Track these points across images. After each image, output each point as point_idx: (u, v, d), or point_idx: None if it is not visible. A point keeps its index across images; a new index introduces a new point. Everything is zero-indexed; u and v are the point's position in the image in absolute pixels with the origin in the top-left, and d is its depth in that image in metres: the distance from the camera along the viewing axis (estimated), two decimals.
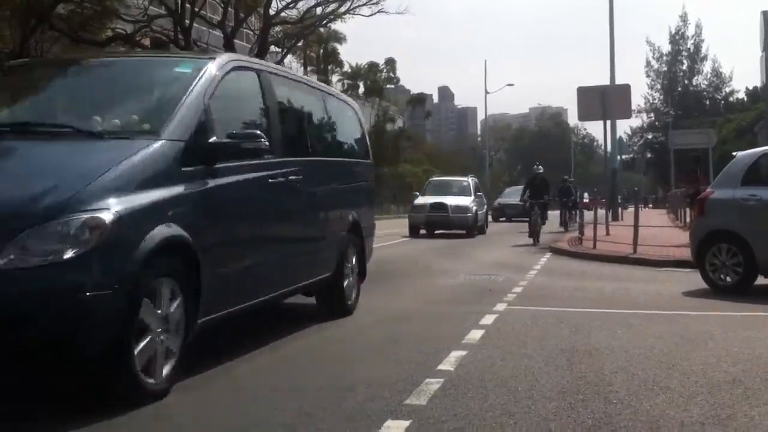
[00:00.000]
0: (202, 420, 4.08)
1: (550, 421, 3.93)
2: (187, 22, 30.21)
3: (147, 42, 32.56)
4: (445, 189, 24.07)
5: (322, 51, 57.99)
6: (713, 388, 4.60)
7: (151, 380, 4.14)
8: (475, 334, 6.34)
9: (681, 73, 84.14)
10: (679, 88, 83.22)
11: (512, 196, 32.90)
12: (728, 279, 9.39)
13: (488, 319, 7.15)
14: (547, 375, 4.94)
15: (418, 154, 72.33)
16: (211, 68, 5.13)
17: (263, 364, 5.39)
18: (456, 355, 5.49)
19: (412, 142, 70.87)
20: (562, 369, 5.13)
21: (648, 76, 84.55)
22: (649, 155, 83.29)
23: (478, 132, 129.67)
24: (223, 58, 5.47)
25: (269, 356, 5.65)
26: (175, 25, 30.06)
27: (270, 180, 5.56)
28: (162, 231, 4.16)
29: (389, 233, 20.54)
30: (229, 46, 31.56)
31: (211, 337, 6.26)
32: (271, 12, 32.30)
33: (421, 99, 71.73)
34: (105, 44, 30.56)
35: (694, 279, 11.11)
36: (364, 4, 32.68)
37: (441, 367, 5.13)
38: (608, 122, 17.95)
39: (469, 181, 25.45)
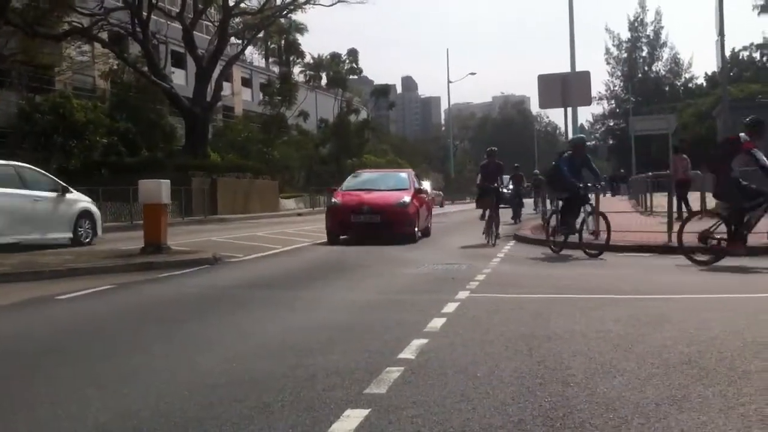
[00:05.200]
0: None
1: (508, 405, 3.97)
2: (145, 14, 29.87)
3: (105, 36, 32.14)
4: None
5: (283, 42, 57.71)
6: (669, 369, 4.67)
7: None
8: (437, 323, 6.37)
9: (641, 60, 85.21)
10: (639, 75, 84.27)
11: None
12: None
13: (450, 307, 7.19)
14: (506, 360, 4.98)
15: (383, 145, 72.35)
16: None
17: (223, 355, 5.37)
18: (417, 343, 5.51)
19: (376, 133, 70.81)
20: (521, 354, 5.17)
21: (608, 63, 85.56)
22: (611, 142, 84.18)
23: (442, 121, 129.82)
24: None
25: (230, 348, 5.63)
26: (132, 17, 29.69)
27: None
28: None
29: None
30: (188, 39, 31.24)
31: (173, 329, 6.22)
32: (231, 2, 32.05)
33: (384, 90, 71.62)
34: (62, 38, 30.15)
35: (653, 263, 11.30)
36: None
37: (402, 355, 5.15)
38: (569, 110, 18.09)
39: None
